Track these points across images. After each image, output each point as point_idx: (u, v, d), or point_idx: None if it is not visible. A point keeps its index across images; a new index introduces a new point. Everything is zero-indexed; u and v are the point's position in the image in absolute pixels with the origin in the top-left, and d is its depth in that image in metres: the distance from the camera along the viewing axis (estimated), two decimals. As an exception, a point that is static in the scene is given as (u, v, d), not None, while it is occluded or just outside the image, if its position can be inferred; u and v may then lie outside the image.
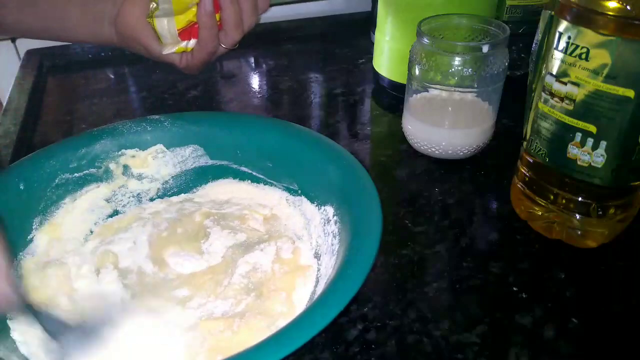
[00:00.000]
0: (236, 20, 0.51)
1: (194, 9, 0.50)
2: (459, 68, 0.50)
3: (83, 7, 0.54)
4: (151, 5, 0.51)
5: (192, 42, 0.52)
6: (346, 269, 0.33)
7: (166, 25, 0.50)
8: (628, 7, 0.35)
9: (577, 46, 0.38)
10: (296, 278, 0.40)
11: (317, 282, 0.40)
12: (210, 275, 0.41)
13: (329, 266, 0.38)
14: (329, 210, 0.42)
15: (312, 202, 0.45)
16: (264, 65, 0.81)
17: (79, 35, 0.56)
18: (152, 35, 0.52)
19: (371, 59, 0.70)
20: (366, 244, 0.35)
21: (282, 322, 0.36)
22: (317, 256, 0.42)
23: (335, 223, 0.40)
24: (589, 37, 0.37)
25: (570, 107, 0.39)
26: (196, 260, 0.42)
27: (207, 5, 0.50)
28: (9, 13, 0.54)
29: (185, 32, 0.51)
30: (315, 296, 0.37)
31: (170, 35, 0.51)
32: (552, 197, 0.43)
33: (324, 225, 0.42)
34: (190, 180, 0.50)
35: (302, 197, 0.46)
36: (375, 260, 0.33)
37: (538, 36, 0.42)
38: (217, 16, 0.51)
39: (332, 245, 0.39)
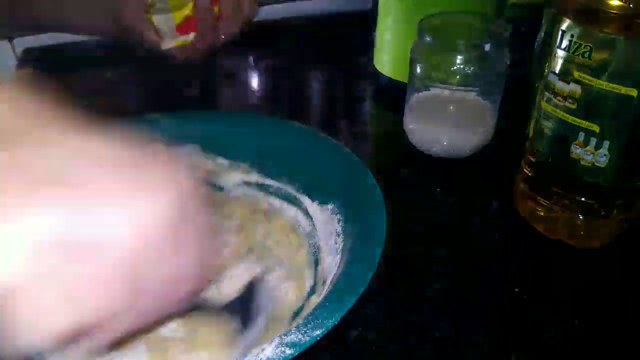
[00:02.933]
0: (235, 11, 0.53)
1: (191, 5, 0.51)
2: (461, 67, 0.50)
3: None
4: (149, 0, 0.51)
5: (192, 35, 0.53)
6: (353, 266, 0.34)
7: (164, 21, 0.51)
8: (631, 6, 0.35)
9: (580, 45, 0.37)
10: None
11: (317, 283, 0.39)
12: None
13: (332, 265, 0.38)
14: (331, 208, 0.42)
15: (314, 201, 0.44)
16: (263, 65, 0.81)
17: (76, 28, 0.56)
18: (153, 30, 0.53)
19: (371, 58, 0.70)
20: (370, 243, 0.35)
21: None
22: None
23: (339, 222, 0.40)
24: (592, 35, 0.36)
25: (573, 106, 0.39)
26: None
27: (203, 1, 0.51)
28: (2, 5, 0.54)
29: (184, 27, 0.52)
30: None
31: (169, 30, 0.52)
32: (554, 196, 0.43)
33: (328, 224, 0.42)
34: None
35: (304, 195, 0.45)
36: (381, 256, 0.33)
37: (541, 35, 0.42)
38: (216, 8, 0.52)
39: (336, 244, 0.39)
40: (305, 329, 0.29)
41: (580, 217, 0.42)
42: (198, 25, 0.52)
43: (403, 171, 0.55)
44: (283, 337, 0.29)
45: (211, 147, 0.49)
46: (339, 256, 0.37)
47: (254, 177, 0.49)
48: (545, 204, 0.44)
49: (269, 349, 0.28)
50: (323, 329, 0.29)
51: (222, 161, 0.49)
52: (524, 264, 0.43)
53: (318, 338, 0.29)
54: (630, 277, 0.42)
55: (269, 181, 0.48)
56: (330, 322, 0.29)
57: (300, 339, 0.29)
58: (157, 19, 0.51)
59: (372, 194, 0.39)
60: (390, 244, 0.44)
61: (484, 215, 0.49)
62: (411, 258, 0.44)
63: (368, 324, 0.38)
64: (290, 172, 0.47)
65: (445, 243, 0.45)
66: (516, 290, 0.41)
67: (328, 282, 0.36)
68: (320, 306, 0.31)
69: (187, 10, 0.51)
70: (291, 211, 0.46)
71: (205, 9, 0.51)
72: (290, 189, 0.47)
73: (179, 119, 0.50)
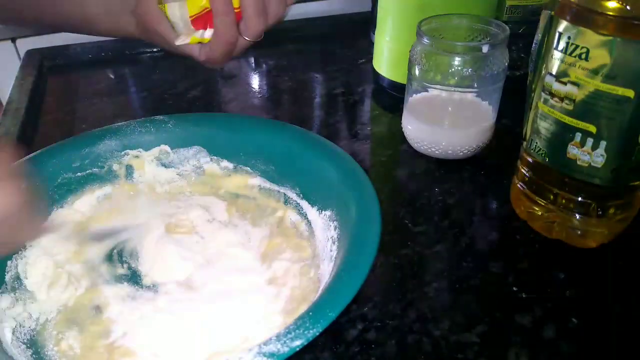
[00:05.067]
0: (257, 7, 0.46)
1: None
2: (459, 68, 0.50)
3: None
4: None
5: (209, 33, 0.47)
6: (341, 277, 0.33)
7: (178, 12, 0.47)
8: (628, 7, 0.35)
9: (577, 46, 0.38)
10: None
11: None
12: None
13: (326, 272, 0.38)
14: (329, 215, 0.42)
15: (313, 207, 0.45)
16: (264, 65, 0.81)
17: (100, 27, 0.54)
18: (168, 24, 0.48)
19: (371, 59, 0.70)
20: (363, 251, 0.34)
21: None
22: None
23: (335, 229, 0.40)
24: (589, 37, 0.37)
25: (570, 107, 0.39)
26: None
27: None
28: (28, 5, 0.53)
29: (200, 20, 0.47)
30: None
31: (183, 23, 0.47)
32: (552, 197, 0.43)
33: (325, 231, 0.42)
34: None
35: (304, 201, 0.46)
36: (372, 266, 0.33)
37: (538, 36, 0.42)
38: (237, 2, 0.46)
39: (332, 251, 0.39)
40: (285, 339, 0.29)
41: (577, 217, 0.43)
42: (215, 20, 0.46)
43: (402, 172, 0.55)
44: (262, 346, 0.29)
45: (215, 149, 0.49)
46: (332, 263, 0.37)
47: (257, 181, 0.49)
48: (542, 204, 0.44)
49: (247, 358, 0.28)
50: (303, 340, 0.29)
51: (227, 164, 0.49)
52: (522, 263, 0.43)
53: (297, 349, 0.28)
54: (627, 276, 0.42)
55: (271, 185, 0.48)
56: (312, 334, 0.29)
57: (279, 349, 0.28)
58: (170, 10, 0.46)
59: (370, 204, 0.38)
60: (389, 244, 0.45)
61: (482, 215, 0.49)
62: (410, 257, 0.44)
63: (367, 323, 0.38)
64: (292, 177, 0.47)
65: (444, 243, 0.46)
66: (514, 289, 0.41)
67: (320, 289, 0.36)
68: (303, 316, 0.30)
69: (203, 0, 0.45)
70: (292, 215, 0.46)
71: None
72: (291, 194, 0.47)
73: (185, 120, 0.50)
